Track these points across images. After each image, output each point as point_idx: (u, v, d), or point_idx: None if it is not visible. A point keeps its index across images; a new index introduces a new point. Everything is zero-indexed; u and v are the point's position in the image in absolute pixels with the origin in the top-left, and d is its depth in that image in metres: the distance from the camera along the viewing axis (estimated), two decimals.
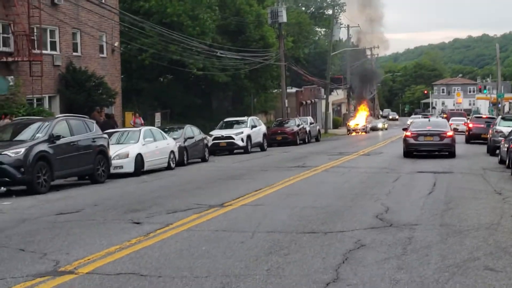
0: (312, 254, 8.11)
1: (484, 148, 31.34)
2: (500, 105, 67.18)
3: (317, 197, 13.75)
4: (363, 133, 62.97)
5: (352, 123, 66.76)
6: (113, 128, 26.66)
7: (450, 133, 26.02)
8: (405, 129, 27.69)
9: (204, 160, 26.69)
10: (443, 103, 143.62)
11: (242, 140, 31.92)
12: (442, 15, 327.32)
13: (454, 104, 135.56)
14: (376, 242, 8.81)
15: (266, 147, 34.75)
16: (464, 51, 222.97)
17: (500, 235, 9.22)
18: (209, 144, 28.79)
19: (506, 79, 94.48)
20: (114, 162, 19.49)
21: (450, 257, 7.80)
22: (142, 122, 30.17)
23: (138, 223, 10.73)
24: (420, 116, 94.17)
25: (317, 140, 45.74)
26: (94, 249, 8.61)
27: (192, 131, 26.78)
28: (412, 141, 25.92)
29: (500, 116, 32.25)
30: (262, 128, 35.20)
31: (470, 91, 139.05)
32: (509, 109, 70.29)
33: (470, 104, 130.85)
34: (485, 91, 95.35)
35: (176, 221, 10.71)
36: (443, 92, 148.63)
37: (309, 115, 57.41)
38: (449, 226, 10.01)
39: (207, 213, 11.58)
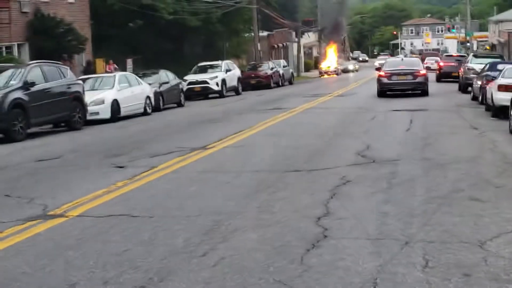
0: (300, 191, 8.21)
1: (455, 86, 31.66)
2: (468, 44, 67.53)
3: (297, 137, 13.83)
4: (335, 75, 63.05)
5: (323, 66, 66.73)
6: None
7: (423, 71, 26.21)
8: (378, 69, 27.87)
9: (180, 105, 26.52)
10: (411, 44, 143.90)
11: (217, 84, 31.73)
12: None
13: (422, 44, 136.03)
14: (361, 177, 8.94)
15: (241, 91, 34.63)
16: None
17: (481, 167, 9.42)
18: (184, 89, 28.54)
19: (473, 18, 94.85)
20: (90, 109, 19.26)
21: (435, 189, 7.96)
22: (117, 69, 29.61)
23: (121, 167, 10.68)
24: (387, 57, 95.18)
25: (291, 83, 45.67)
26: (81, 193, 8.58)
27: (167, 76, 26.50)
28: (385, 80, 26.06)
29: (471, 54, 32.49)
30: (237, 72, 34.98)
31: (438, 31, 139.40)
32: (477, 47, 70.79)
33: (438, 44, 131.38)
34: (453, 30, 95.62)
35: (160, 164, 10.70)
36: (412, 32, 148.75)
37: (281, 59, 57.15)
38: (430, 160, 10.18)
39: (190, 156, 11.58)
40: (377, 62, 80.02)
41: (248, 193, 8.18)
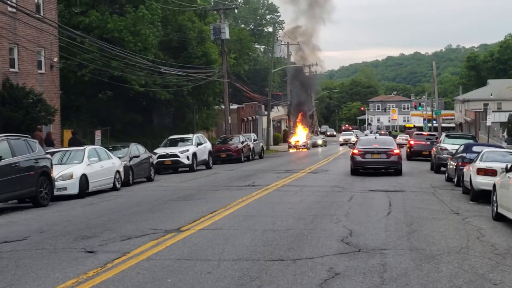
0: (287, 286, 7.67)
1: (426, 165, 31.71)
2: (436, 122, 68.68)
3: (275, 219, 13.32)
4: (304, 150, 63.20)
5: (293, 140, 66.98)
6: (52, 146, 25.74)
7: (396, 150, 26.13)
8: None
9: (150, 179, 25.88)
10: (378, 120, 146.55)
11: (188, 158, 31.25)
12: (375, 33, 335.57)
13: (389, 121, 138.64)
14: (349, 269, 8.45)
15: (211, 165, 34.18)
16: (396, 68, 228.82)
17: (473, 260, 9.02)
18: (154, 162, 27.97)
19: (438, 96, 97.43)
20: (58, 184, 18.53)
21: (432, 286, 7.51)
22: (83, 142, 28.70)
23: (92, 251, 10.03)
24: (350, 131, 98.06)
25: (261, 157, 45.44)
26: (49, 283, 7.93)
27: (137, 150, 25.95)
28: (359, 158, 25.91)
29: (444, 134, 32.75)
30: (208, 145, 34.60)
31: (404, 108, 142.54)
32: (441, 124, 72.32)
33: (404, 121, 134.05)
34: (420, 108, 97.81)
35: (133, 249, 10.08)
36: (378, 108, 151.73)
37: (250, 132, 57.21)
38: (419, 250, 9.76)
39: (165, 239, 10.97)
40: (341, 138, 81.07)
41: (231, 287, 7.60)
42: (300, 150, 62.96)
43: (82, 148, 21.50)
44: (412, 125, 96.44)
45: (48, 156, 18.34)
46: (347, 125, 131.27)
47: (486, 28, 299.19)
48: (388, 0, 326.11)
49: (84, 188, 19.44)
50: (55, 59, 32.39)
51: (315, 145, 72.92)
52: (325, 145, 77.79)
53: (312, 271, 8.41)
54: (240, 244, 10.47)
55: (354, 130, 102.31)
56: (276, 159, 45.24)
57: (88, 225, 13.10)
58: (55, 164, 18.95)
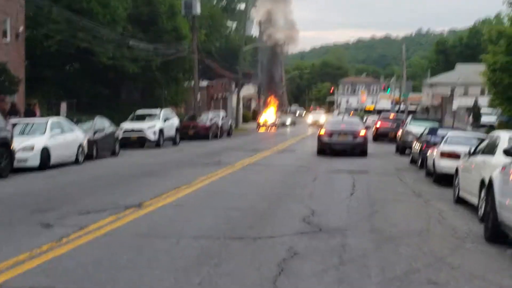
0: (245, 264, 7.56)
1: (392, 147, 31.92)
2: (403, 104, 69.12)
3: (239, 197, 13.23)
4: (273, 129, 63.16)
5: (261, 119, 66.87)
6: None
7: (363, 132, 26.21)
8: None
9: (114, 154, 25.50)
10: (347, 101, 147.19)
11: (154, 133, 30.92)
12: (347, 15, 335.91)
13: (358, 102, 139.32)
14: (309, 249, 8.38)
15: (178, 141, 33.87)
16: (367, 50, 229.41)
17: (433, 243, 9.03)
18: (119, 136, 27.58)
19: (408, 79, 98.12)
20: (18, 156, 18.10)
21: (390, 268, 7.46)
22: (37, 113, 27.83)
23: (48, 225, 9.80)
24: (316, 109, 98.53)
25: (229, 135, 45.26)
26: (0, 257, 7.68)
27: (102, 123, 25.51)
28: (326, 139, 25.94)
29: (410, 117, 32.92)
30: (175, 121, 34.25)
31: (373, 90, 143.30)
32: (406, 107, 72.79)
33: (373, 103, 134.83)
34: (388, 90, 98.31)
35: (91, 224, 9.86)
36: (348, 90, 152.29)
37: (220, 109, 56.89)
38: (380, 231, 9.74)
39: (125, 215, 10.78)
40: (310, 118, 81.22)
41: (188, 265, 7.47)
42: (269, 129, 62.91)
43: (45, 120, 21.05)
44: (372, 107, 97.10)
45: (8, 127, 17.88)
46: (312, 108, 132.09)
47: (455, 13, 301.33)
48: None
49: (46, 161, 19.04)
50: (21, 29, 31.59)
51: (284, 125, 72.96)
52: (294, 125, 77.92)
53: (271, 250, 8.32)
54: (202, 221, 10.34)
55: (318, 111, 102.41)
56: (244, 137, 45.12)
57: (47, 198, 12.83)
58: (16, 136, 18.50)
